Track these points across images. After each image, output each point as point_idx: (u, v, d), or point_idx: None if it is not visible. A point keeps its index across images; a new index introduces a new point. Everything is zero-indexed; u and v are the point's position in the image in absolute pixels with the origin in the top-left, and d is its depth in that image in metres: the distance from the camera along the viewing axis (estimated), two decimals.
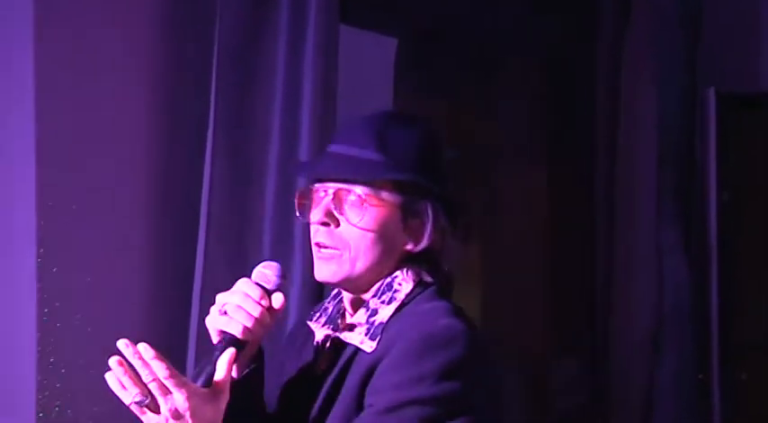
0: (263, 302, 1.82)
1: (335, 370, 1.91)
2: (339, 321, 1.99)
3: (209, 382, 1.80)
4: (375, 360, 1.84)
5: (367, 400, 1.81)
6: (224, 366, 1.76)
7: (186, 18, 2.96)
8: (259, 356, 1.89)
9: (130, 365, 1.69)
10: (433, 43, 3.93)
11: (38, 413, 2.78)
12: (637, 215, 4.43)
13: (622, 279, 4.37)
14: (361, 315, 1.90)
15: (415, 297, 1.91)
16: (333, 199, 1.88)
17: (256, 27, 2.94)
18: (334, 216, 1.88)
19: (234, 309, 1.82)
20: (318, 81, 2.91)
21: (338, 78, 3.00)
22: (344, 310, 2.00)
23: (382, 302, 1.92)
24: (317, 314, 2.04)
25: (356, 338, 1.88)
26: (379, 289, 1.93)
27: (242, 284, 1.85)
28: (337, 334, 1.91)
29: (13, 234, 2.87)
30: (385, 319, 1.88)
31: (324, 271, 1.90)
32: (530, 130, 4.41)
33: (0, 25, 2.82)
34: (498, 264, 4.33)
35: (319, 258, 1.92)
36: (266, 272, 1.86)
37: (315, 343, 2.00)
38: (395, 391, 1.79)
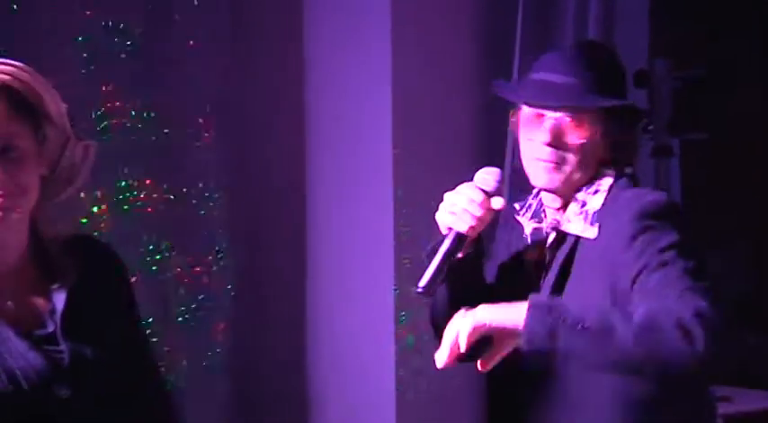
0: (484, 205, 1.91)
1: (560, 256, 1.98)
2: (543, 215, 2.07)
3: (433, 280, 1.92)
4: (601, 248, 1.92)
5: (631, 272, 1.84)
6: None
7: None
8: (479, 240, 2.00)
9: None
10: None
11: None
12: None
13: None
14: (574, 208, 1.98)
15: (613, 186, 1.99)
16: (554, 123, 1.97)
17: None
18: (557, 137, 1.96)
19: (461, 210, 1.91)
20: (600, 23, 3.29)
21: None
22: (545, 206, 2.07)
23: (588, 194, 1.99)
24: (523, 210, 2.11)
25: (577, 228, 1.97)
26: (582, 186, 2.01)
27: (467, 188, 1.95)
28: (557, 226, 2.00)
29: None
30: (598, 207, 1.96)
31: (544, 180, 1.99)
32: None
33: None
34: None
35: (542, 169, 1.98)
36: (488, 177, 1.95)
37: (525, 235, 2.09)
38: (642, 258, 1.83)
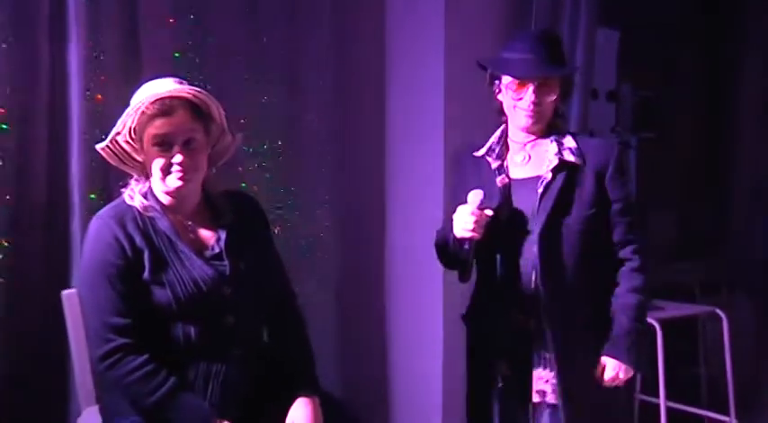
0: (483, 218, 2.02)
1: (560, 177, 2.05)
2: (504, 156, 2.15)
3: (467, 272, 2.07)
4: (587, 169, 2.06)
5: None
6: None
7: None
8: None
9: None
10: (641, 35, 4.23)
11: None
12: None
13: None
14: (554, 147, 2.09)
15: (572, 133, 2.14)
16: (535, 88, 2.06)
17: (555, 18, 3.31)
18: (538, 97, 2.06)
19: (471, 228, 2.01)
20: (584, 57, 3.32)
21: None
22: (507, 150, 2.16)
23: (560, 138, 2.11)
24: (489, 152, 2.15)
25: (571, 158, 2.08)
26: (551, 134, 2.12)
27: (466, 212, 2.02)
28: (561, 156, 2.06)
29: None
30: (574, 145, 2.10)
31: (528, 124, 2.10)
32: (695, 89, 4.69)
33: None
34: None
35: (526, 117, 2.10)
36: (475, 197, 2.03)
37: (495, 168, 2.13)
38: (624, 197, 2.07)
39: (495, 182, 2.12)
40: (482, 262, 2.15)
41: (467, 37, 3.12)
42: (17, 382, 2.34)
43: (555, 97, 2.10)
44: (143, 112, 1.84)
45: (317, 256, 3.07)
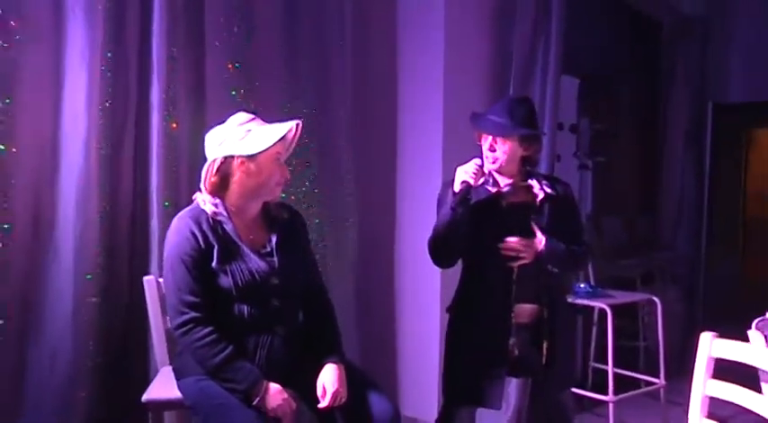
0: (479, 170, 2.09)
1: (548, 205, 2.12)
2: (496, 185, 2.16)
3: (458, 204, 2.03)
4: (559, 202, 2.14)
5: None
6: None
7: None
8: (468, 196, 2.07)
9: None
10: (595, 82, 4.36)
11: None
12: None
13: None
14: (537, 184, 2.17)
15: (543, 175, 2.20)
16: (492, 140, 2.12)
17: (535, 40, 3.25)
18: (494, 147, 2.12)
19: (470, 172, 2.06)
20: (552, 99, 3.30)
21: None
22: (497, 182, 2.17)
23: (538, 179, 2.17)
24: (483, 182, 2.14)
25: (550, 192, 2.15)
26: (530, 175, 2.16)
27: (470, 164, 2.09)
28: (547, 190, 2.13)
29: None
30: (548, 183, 2.17)
31: (489, 167, 2.14)
32: (635, 122, 4.86)
33: None
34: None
35: (488, 161, 2.14)
36: (477, 159, 2.12)
37: (495, 191, 2.15)
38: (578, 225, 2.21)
39: (486, 208, 2.14)
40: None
41: (462, 86, 3.09)
42: (110, 348, 2.36)
43: (508, 150, 2.10)
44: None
45: (341, 255, 3.02)
